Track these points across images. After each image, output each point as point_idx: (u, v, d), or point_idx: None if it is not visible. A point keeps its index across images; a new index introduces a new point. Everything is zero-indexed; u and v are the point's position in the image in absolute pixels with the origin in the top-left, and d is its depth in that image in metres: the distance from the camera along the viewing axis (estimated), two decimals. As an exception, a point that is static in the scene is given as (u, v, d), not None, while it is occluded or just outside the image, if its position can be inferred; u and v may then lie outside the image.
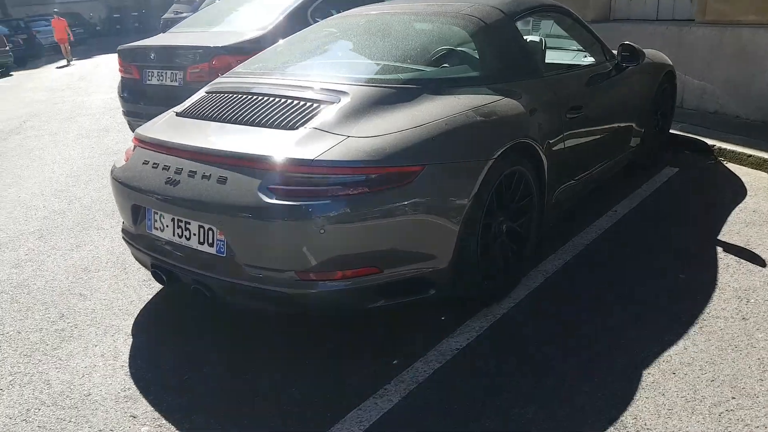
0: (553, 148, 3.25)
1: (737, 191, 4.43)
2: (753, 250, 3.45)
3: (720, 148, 5.19)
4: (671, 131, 5.54)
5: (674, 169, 4.94)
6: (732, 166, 5.01)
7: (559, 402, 2.28)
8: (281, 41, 3.91)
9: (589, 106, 3.68)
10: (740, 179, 4.69)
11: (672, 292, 3.03)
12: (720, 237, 3.64)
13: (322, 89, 2.81)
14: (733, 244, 3.53)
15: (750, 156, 4.94)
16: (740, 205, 4.14)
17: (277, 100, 2.80)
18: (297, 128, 2.55)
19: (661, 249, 3.50)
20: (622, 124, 4.21)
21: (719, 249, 3.48)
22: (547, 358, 2.54)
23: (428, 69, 3.12)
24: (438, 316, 2.90)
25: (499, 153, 2.72)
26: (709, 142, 5.31)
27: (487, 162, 2.66)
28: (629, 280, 3.16)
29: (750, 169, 4.92)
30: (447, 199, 2.56)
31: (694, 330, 2.70)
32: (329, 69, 3.33)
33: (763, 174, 4.79)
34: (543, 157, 3.10)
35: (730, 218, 3.91)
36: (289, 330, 2.88)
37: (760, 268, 3.24)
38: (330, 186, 2.31)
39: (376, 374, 2.49)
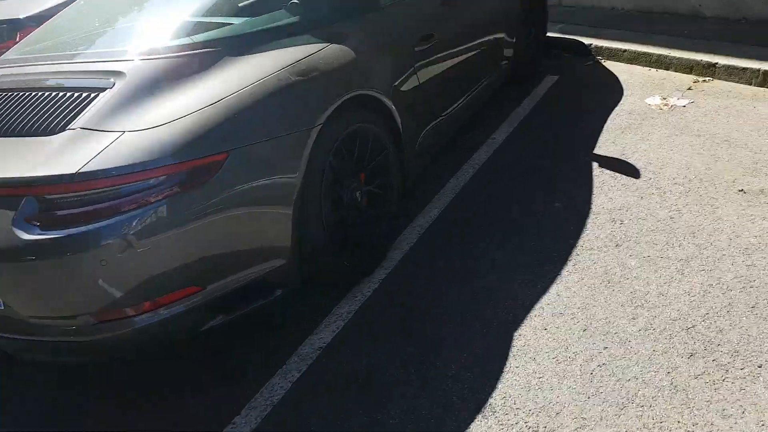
0: (405, 91, 2.91)
1: (615, 92, 4.26)
2: (628, 160, 3.30)
3: (597, 47, 4.99)
4: (549, 35, 5.30)
5: (554, 77, 4.72)
6: (610, 64, 4.84)
7: (426, 396, 2.06)
8: (65, 9, 3.24)
9: (445, 30, 3.32)
10: (617, 78, 4.52)
11: (546, 226, 2.85)
12: (597, 150, 3.46)
13: (93, 72, 2.30)
14: (609, 157, 3.37)
15: (625, 51, 4.76)
16: (617, 108, 3.98)
17: (39, 95, 2.23)
18: (58, 132, 2.03)
19: (540, 177, 3.29)
20: (489, 41, 3.88)
21: (595, 165, 3.30)
22: (420, 334, 2.32)
23: (232, 22, 2.61)
24: (300, 307, 2.61)
25: (326, 116, 2.34)
26: (587, 41, 5.10)
27: (311, 130, 2.28)
28: (504, 221, 2.94)
29: (626, 65, 4.75)
30: (267, 184, 2.16)
31: (567, 270, 2.53)
32: (107, 42, 2.77)
33: (638, 68, 4.64)
34: (391, 105, 2.76)
35: (606, 125, 3.74)
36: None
37: (634, 180, 3.09)
38: (106, 203, 1.86)
39: (220, 405, 2.16)
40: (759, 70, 3.97)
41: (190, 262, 2.02)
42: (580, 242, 2.68)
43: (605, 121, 3.81)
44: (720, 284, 2.32)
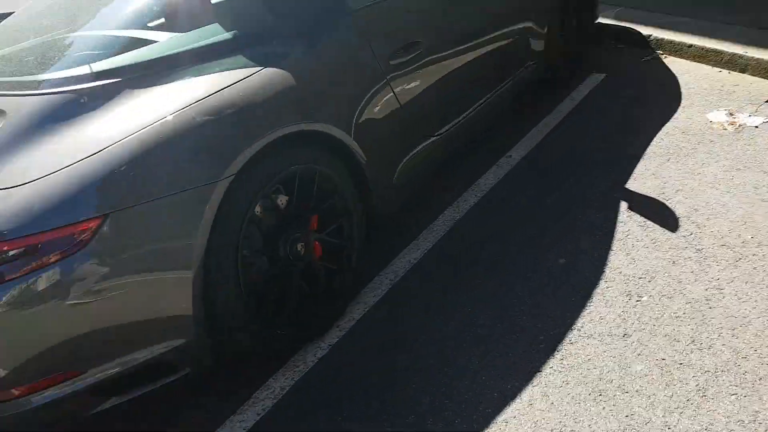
0: (374, 117, 2.31)
1: (671, 100, 3.46)
2: (667, 202, 2.58)
3: (658, 39, 4.14)
4: (601, 21, 4.48)
5: (600, 76, 3.94)
6: (673, 61, 4.00)
7: None
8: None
9: (440, 33, 2.68)
10: (678, 80, 3.70)
11: (541, 293, 2.21)
12: (630, 184, 2.75)
13: None
14: (643, 196, 2.65)
15: (691, 46, 3.90)
16: (669, 123, 3.20)
17: None
18: None
19: (549, 218, 2.62)
20: (508, 35, 3.16)
21: (623, 207, 2.61)
22: (362, 417, 1.81)
23: (145, 43, 2.08)
24: (232, 376, 2.14)
25: (240, 165, 1.82)
26: (645, 31, 4.25)
27: (216, 185, 1.76)
28: (493, 279, 2.32)
29: (691, 63, 3.90)
30: (158, 251, 1.71)
31: (551, 366, 1.91)
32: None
33: (706, 68, 3.78)
34: (347, 138, 2.17)
35: (651, 148, 3.00)
36: None
37: (669, 235, 2.39)
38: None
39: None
40: None
41: (59, 343, 1.64)
42: (579, 323, 2.05)
43: (650, 142, 3.06)
44: (758, 421, 1.66)
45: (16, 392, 1.64)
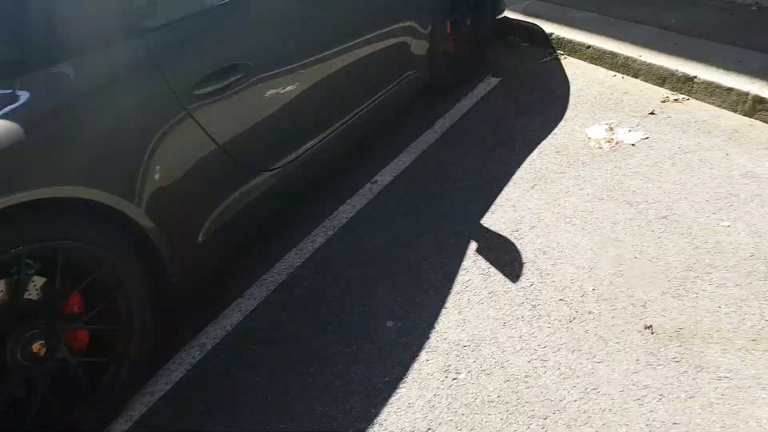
0: (164, 160, 1.95)
1: (557, 111, 3.17)
2: (518, 242, 2.32)
3: (558, 38, 3.85)
4: (508, 15, 4.18)
5: (495, 81, 3.66)
6: (571, 62, 3.71)
7: None
8: None
9: (276, 49, 2.35)
10: (569, 86, 3.42)
11: (349, 375, 1.92)
12: (485, 219, 2.47)
13: None
14: (494, 235, 2.38)
15: (589, 47, 3.62)
16: (547, 140, 2.93)
17: None
18: None
19: (392, 265, 2.33)
20: (377, 40, 2.84)
21: (471, 249, 2.33)
22: None
23: None
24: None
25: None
26: (548, 28, 3.95)
27: None
28: (302, 354, 2.03)
29: (588, 66, 3.62)
30: None
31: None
32: None
33: (602, 72, 3.50)
34: (119, 201, 1.81)
35: (519, 172, 2.71)
36: None
37: (508, 286, 2.12)
38: None
39: None
40: (748, 93, 2.80)
41: None
42: (383, 416, 1.77)
43: (521, 164, 2.78)
44: None
45: None
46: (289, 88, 2.44)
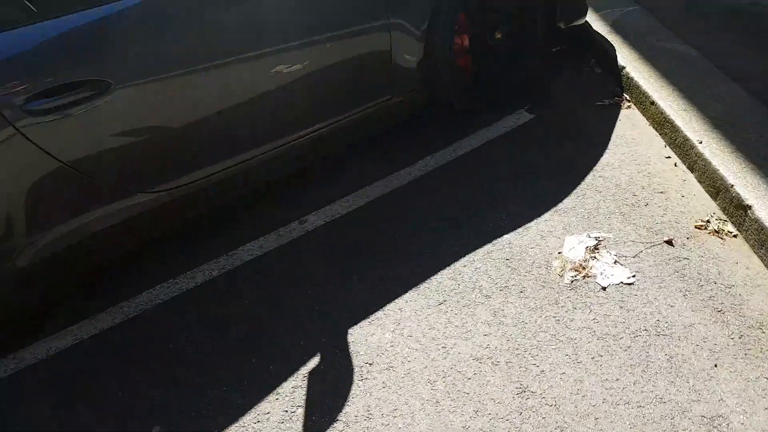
0: None
1: (556, 191, 2.34)
2: (359, 398, 1.73)
3: (629, 77, 2.83)
4: (589, 23, 3.20)
5: (525, 119, 2.83)
6: (631, 114, 2.74)
7: None
8: None
9: (154, 56, 1.90)
10: (602, 154, 2.51)
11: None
12: (358, 329, 1.86)
13: None
14: (340, 364, 1.79)
15: (653, 104, 2.62)
16: (509, 235, 2.15)
17: None
18: None
19: (220, 349, 1.88)
20: (332, 40, 2.22)
21: (289, 369, 1.79)
22: None
23: None
24: None
25: None
26: (624, 57, 2.93)
27: None
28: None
29: (646, 129, 2.64)
30: None
31: None
32: None
33: (656, 143, 2.53)
34: None
35: (439, 275, 2.02)
36: None
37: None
38: None
39: None
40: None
41: None
42: None
43: (449, 264, 2.07)
44: None
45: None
46: (174, 108, 2.00)
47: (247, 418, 1.69)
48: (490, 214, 2.29)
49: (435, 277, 2.05)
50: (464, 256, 2.12)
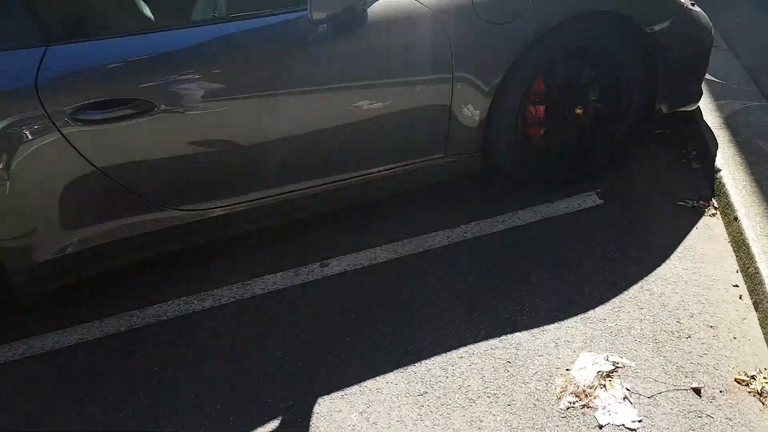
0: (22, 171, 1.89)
1: (584, 295, 2.11)
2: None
3: (721, 182, 2.49)
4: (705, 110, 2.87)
5: (589, 203, 2.58)
6: (712, 225, 2.40)
7: None
8: None
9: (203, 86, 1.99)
10: (658, 266, 2.21)
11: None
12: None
13: None
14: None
15: (736, 220, 2.27)
16: (511, 336, 1.98)
17: None
18: None
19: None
20: (390, 86, 2.19)
21: None
22: None
23: None
24: None
25: None
26: (723, 158, 2.58)
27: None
28: None
29: (722, 245, 2.30)
30: None
31: None
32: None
33: (726, 265, 2.19)
34: None
35: (417, 368, 1.91)
36: None
37: None
38: None
39: None
40: None
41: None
42: None
43: (443, 351, 1.94)
44: None
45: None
46: (213, 135, 2.09)
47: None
48: (512, 302, 2.12)
49: (427, 361, 1.94)
50: (465, 345, 1.98)
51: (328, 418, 1.79)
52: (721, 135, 2.74)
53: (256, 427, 1.78)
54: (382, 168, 2.35)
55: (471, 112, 2.33)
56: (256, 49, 2.05)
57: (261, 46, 2.06)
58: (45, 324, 2.22)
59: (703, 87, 2.78)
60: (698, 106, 2.88)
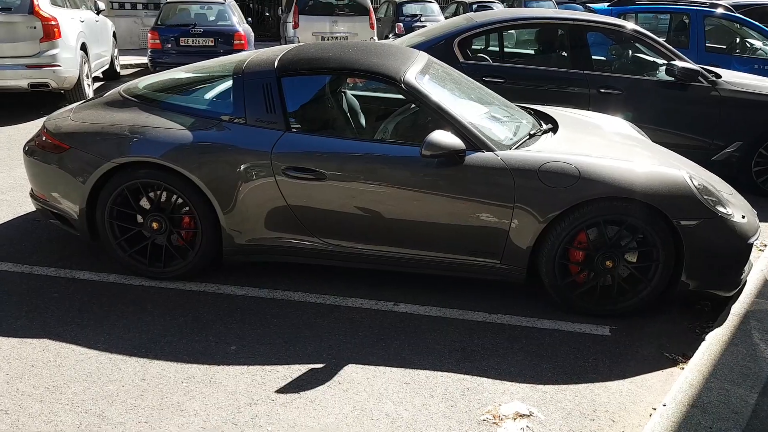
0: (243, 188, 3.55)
1: None
2: None
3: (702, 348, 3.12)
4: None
5: (601, 331, 3.40)
6: (677, 372, 3.06)
7: None
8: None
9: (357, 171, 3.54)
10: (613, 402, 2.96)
11: None
12: None
13: None
14: None
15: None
16: None
17: None
18: None
19: None
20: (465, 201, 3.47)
21: None
22: None
23: None
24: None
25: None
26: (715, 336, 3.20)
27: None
28: None
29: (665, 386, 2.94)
30: None
31: None
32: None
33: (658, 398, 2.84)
34: (197, 180, 3.53)
35: None
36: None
37: None
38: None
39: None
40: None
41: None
42: None
43: None
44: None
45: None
46: (351, 198, 3.55)
47: None
48: (494, 365, 3.10)
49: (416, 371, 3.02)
50: (436, 371, 3.02)
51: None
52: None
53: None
54: (457, 256, 3.58)
55: (524, 239, 3.45)
56: (384, 164, 3.52)
57: (387, 163, 3.51)
58: (229, 280, 3.80)
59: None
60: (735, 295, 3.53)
